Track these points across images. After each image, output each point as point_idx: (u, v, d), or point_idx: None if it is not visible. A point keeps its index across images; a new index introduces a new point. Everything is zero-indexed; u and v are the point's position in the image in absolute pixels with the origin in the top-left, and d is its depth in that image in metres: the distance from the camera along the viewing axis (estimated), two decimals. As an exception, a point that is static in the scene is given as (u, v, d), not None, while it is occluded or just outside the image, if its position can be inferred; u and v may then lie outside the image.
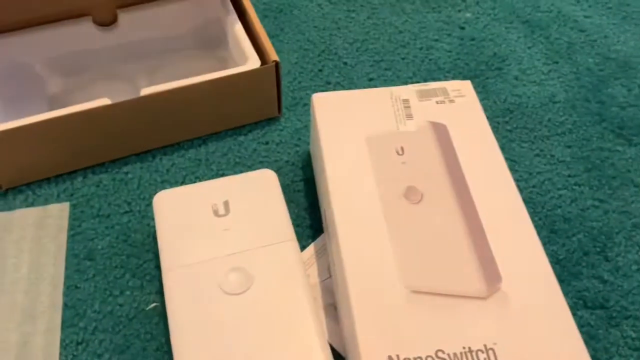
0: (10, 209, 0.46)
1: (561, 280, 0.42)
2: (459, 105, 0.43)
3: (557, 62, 0.57)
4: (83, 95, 0.51)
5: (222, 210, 0.40)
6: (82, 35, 0.51)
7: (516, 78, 0.56)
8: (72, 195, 0.47)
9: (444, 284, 0.34)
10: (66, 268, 0.42)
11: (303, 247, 0.43)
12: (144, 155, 0.49)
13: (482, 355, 0.31)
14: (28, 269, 0.42)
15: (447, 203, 0.38)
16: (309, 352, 0.33)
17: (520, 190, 0.40)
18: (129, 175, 0.48)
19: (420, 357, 0.31)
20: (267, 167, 0.49)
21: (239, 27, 0.51)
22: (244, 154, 0.50)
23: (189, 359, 0.33)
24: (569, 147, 0.51)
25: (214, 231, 0.39)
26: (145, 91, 0.45)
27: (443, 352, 0.31)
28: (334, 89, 0.54)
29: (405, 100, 0.43)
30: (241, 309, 0.35)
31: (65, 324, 0.40)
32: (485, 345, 0.31)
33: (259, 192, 0.41)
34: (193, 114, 0.48)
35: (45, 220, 0.45)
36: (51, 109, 0.44)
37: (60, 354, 0.38)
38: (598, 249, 0.44)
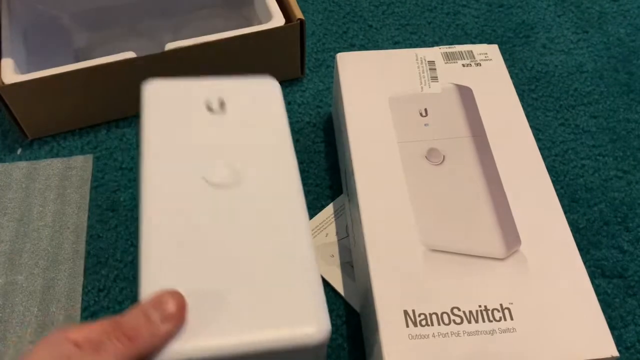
0: (35, 158, 0.46)
1: (580, 249, 0.42)
2: (485, 69, 0.43)
3: (587, 32, 0.56)
4: (109, 49, 0.51)
5: (217, 108, 0.36)
6: (108, -11, 0.51)
7: (544, 46, 0.55)
8: (95, 147, 0.47)
9: (463, 243, 0.34)
10: (89, 218, 0.43)
11: (322, 207, 0.44)
12: (167, 112, 0.50)
13: (497, 314, 0.31)
14: (52, 217, 0.43)
15: (469, 165, 0.37)
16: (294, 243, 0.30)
17: (543, 158, 0.39)
18: (152, 131, 0.48)
19: (435, 313, 0.31)
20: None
21: (264, -15, 0.50)
22: (265, 114, 0.50)
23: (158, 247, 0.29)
24: (595, 117, 0.50)
25: (205, 128, 0.34)
26: (170, 46, 0.45)
27: (459, 309, 0.31)
28: (358, 52, 0.54)
29: (431, 62, 0.43)
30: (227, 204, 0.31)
31: (88, 272, 0.41)
32: (501, 305, 0.32)
33: (259, 99, 0.37)
34: (216, 71, 0.48)
35: (69, 171, 0.46)
36: (77, 62, 0.44)
37: (83, 299, 0.39)
38: (619, 219, 0.43)
